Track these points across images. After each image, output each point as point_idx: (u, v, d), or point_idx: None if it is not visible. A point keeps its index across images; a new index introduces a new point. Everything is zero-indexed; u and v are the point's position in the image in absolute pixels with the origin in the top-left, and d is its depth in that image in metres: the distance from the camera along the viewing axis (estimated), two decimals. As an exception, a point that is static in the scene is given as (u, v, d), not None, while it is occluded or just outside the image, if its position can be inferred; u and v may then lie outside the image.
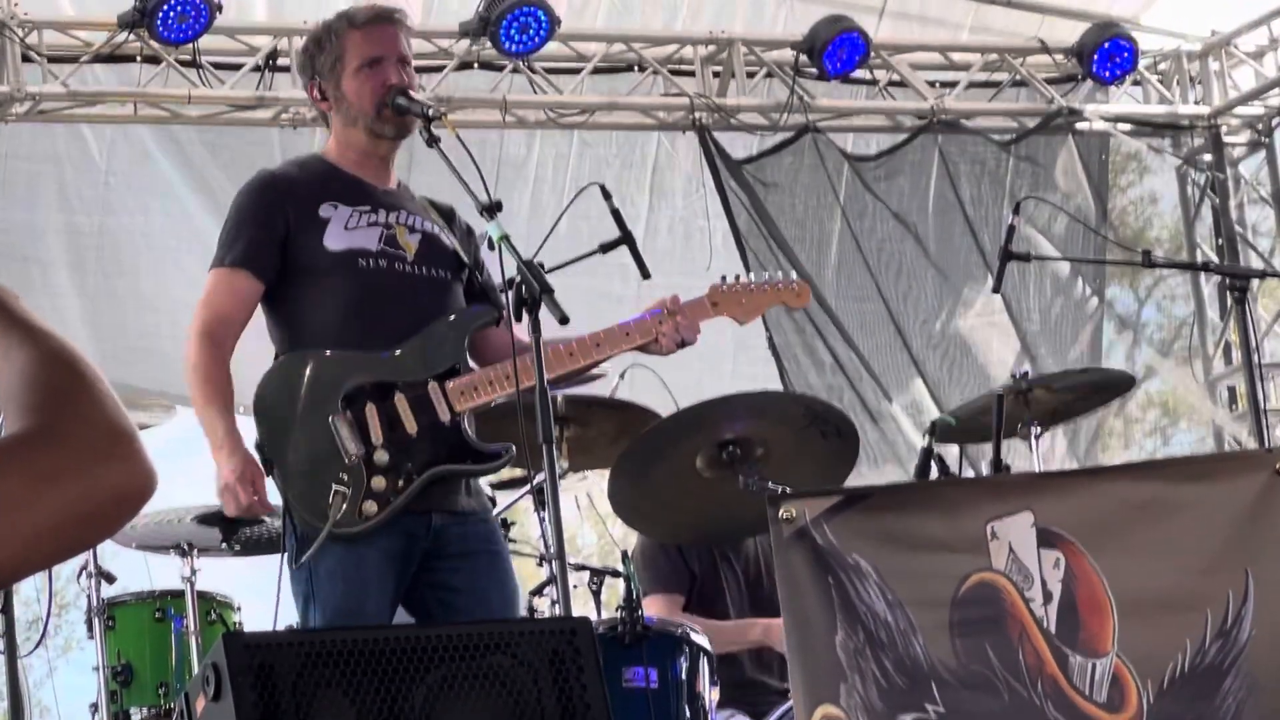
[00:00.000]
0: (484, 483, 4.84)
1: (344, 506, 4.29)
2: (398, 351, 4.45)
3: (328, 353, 4.43)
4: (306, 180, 4.59)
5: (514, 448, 4.49)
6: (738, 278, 4.88)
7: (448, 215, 4.71)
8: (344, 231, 4.51)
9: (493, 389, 4.47)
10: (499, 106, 8.33)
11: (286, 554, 4.40)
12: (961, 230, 9.16)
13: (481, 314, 4.58)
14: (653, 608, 5.62)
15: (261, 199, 4.55)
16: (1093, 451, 9.24)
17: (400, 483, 4.37)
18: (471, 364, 4.56)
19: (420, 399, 4.42)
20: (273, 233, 4.48)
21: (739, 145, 8.86)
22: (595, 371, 5.42)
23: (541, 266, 4.31)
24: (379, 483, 4.35)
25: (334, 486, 4.30)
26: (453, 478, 4.47)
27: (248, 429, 4.48)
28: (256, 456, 4.41)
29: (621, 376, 6.25)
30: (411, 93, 4.55)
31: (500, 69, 8.38)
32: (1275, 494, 4.02)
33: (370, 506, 4.33)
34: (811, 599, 3.88)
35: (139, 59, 7.87)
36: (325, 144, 4.73)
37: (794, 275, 5.03)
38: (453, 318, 4.53)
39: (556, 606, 4.50)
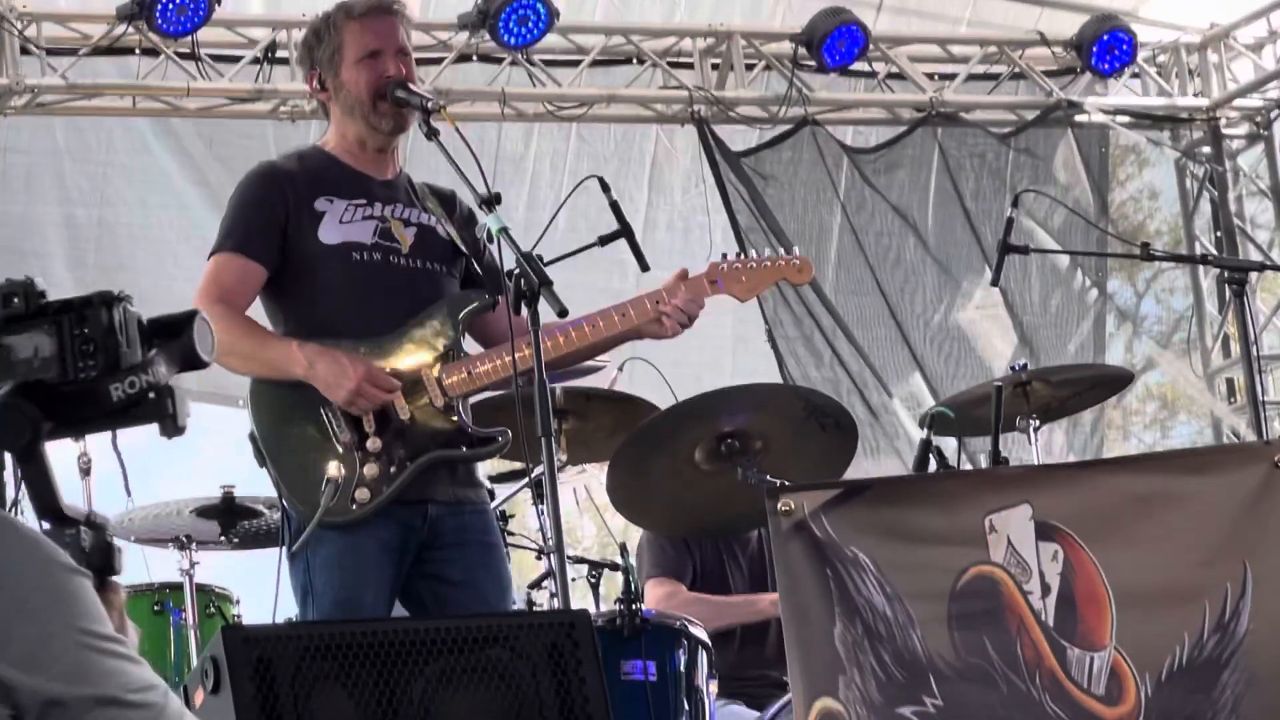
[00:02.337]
0: (482, 476, 4.83)
1: (336, 494, 4.28)
2: (390, 339, 4.45)
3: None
4: (305, 172, 4.58)
5: (509, 432, 4.48)
6: (738, 255, 4.86)
7: (448, 201, 4.70)
8: (339, 225, 4.51)
9: (487, 374, 4.47)
10: (498, 99, 8.33)
11: (284, 543, 4.40)
12: (961, 224, 9.17)
13: (472, 298, 4.57)
14: (653, 592, 5.62)
15: (262, 187, 4.55)
16: (1092, 444, 9.25)
17: (393, 469, 4.37)
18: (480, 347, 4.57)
19: (413, 385, 4.42)
20: (273, 220, 4.48)
21: (738, 139, 8.86)
22: (594, 363, 5.41)
23: (540, 259, 4.31)
24: (371, 470, 4.35)
25: (326, 474, 4.30)
26: (449, 465, 4.47)
27: (240, 421, 4.49)
28: (250, 447, 4.41)
29: (620, 369, 6.24)
30: (411, 85, 4.55)
31: (499, 61, 8.38)
32: (1274, 487, 4.02)
33: (363, 494, 4.33)
34: (810, 592, 3.88)
35: (138, 51, 7.88)
36: (325, 135, 4.72)
37: (796, 251, 4.99)
38: (444, 303, 4.53)
39: (555, 599, 4.49)
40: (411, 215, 4.60)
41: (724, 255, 4.82)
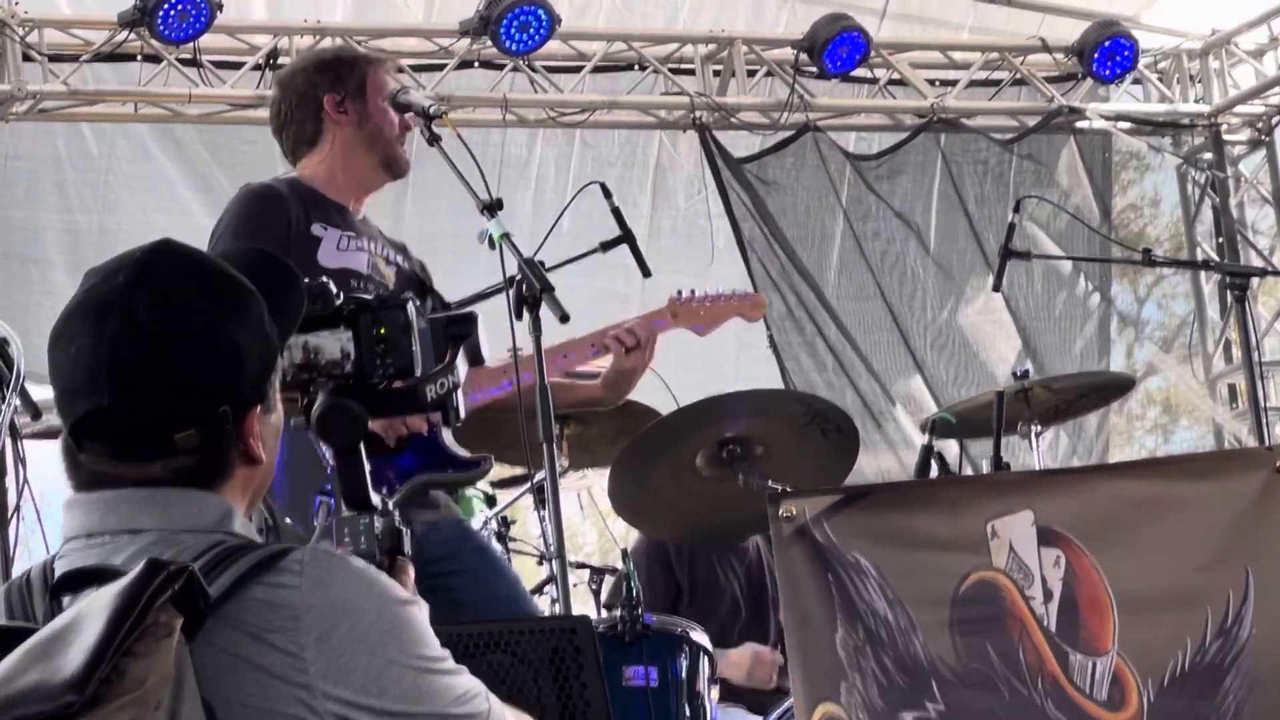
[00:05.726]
0: (484, 481, 4.83)
1: (328, 517, 4.29)
2: None
3: None
4: (299, 197, 4.59)
5: (492, 458, 4.52)
6: (693, 291, 4.99)
7: (402, 250, 4.75)
8: (336, 251, 4.52)
9: (466, 398, 4.49)
10: (499, 105, 8.33)
11: None
12: (964, 230, 9.16)
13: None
14: None
15: (266, 206, 4.54)
16: (1095, 449, 9.24)
17: (384, 490, 4.38)
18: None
19: None
20: (277, 239, 4.48)
21: (740, 145, 8.86)
22: (593, 369, 5.41)
23: (542, 265, 4.31)
24: None
25: (318, 498, 4.30)
26: (428, 489, 4.48)
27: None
28: None
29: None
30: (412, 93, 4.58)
31: (501, 68, 8.38)
32: (1275, 492, 4.02)
33: None
34: (812, 597, 3.88)
35: (139, 58, 7.87)
36: (302, 167, 4.70)
37: (750, 290, 5.17)
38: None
39: (557, 605, 4.49)
40: (390, 254, 4.65)
41: (679, 291, 4.99)
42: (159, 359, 2.10)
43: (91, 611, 1.91)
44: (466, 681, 2.16)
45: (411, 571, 2.35)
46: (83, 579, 2.07)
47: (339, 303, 2.25)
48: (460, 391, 2.30)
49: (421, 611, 2.17)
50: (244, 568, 2.04)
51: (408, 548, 2.36)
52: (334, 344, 2.25)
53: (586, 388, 4.77)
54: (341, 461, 2.29)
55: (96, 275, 2.16)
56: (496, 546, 4.80)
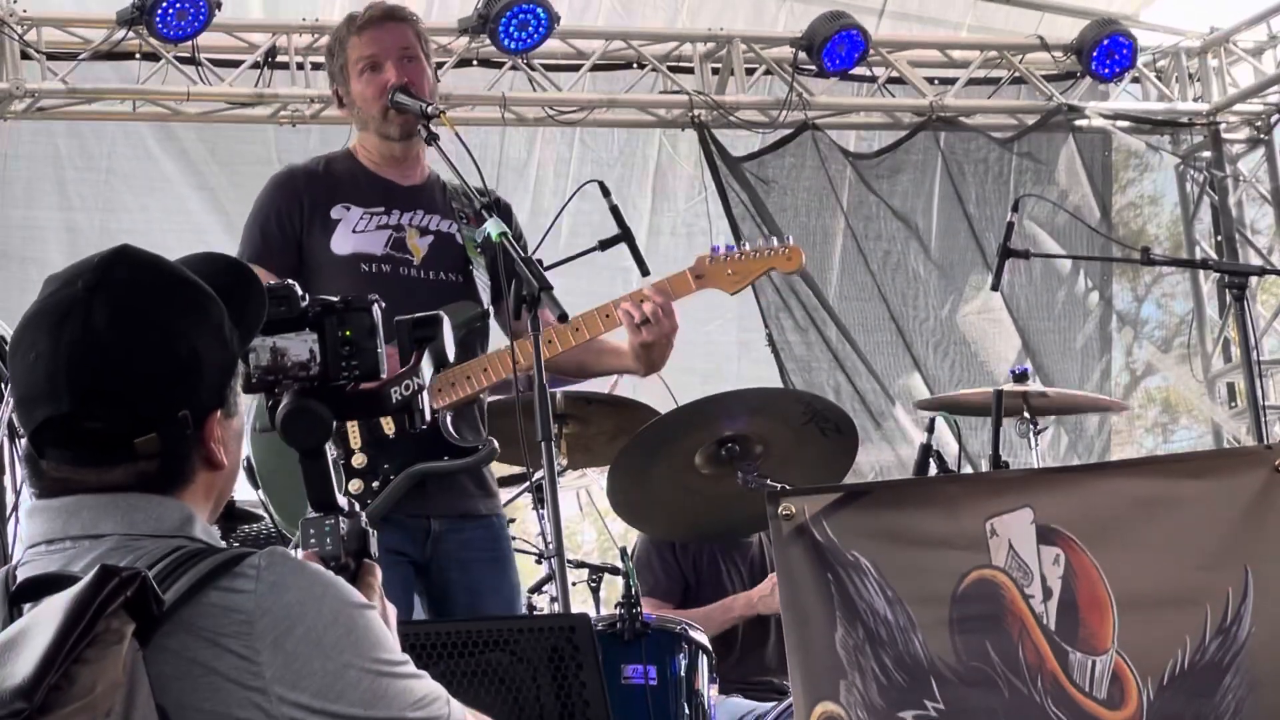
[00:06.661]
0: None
1: None
2: None
3: None
4: (326, 178, 4.59)
5: (494, 442, 4.47)
6: (728, 247, 4.81)
7: (464, 201, 4.67)
8: (351, 234, 4.51)
9: (470, 384, 4.46)
10: (498, 103, 8.33)
11: None
12: (964, 229, 9.16)
13: (465, 311, 4.54)
14: None
15: (279, 196, 4.56)
16: (1096, 448, 9.24)
17: (376, 484, 4.36)
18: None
19: None
20: (288, 229, 4.50)
21: (740, 145, 8.86)
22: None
23: (540, 264, 4.30)
24: (355, 485, 4.35)
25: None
26: (444, 476, 4.46)
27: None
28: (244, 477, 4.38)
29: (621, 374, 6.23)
30: (411, 89, 4.53)
31: (499, 66, 8.38)
32: (1274, 491, 4.01)
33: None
34: (811, 596, 3.87)
35: (138, 56, 7.88)
36: (353, 140, 4.74)
37: (789, 239, 4.90)
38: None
39: (556, 603, 4.49)
40: (431, 223, 4.59)
41: (714, 248, 4.77)
42: (117, 365, 2.10)
43: (43, 619, 1.92)
44: (426, 685, 2.15)
45: (379, 574, 2.32)
46: (42, 586, 2.06)
47: (304, 305, 2.24)
48: (425, 393, 2.29)
49: (381, 615, 2.16)
50: (201, 572, 2.04)
51: (374, 550, 2.33)
52: (301, 346, 2.24)
53: (617, 356, 4.69)
54: (306, 462, 2.28)
55: (55, 282, 2.18)
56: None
